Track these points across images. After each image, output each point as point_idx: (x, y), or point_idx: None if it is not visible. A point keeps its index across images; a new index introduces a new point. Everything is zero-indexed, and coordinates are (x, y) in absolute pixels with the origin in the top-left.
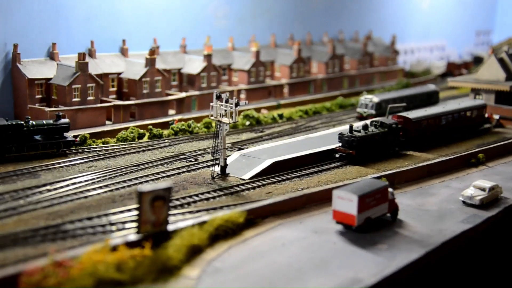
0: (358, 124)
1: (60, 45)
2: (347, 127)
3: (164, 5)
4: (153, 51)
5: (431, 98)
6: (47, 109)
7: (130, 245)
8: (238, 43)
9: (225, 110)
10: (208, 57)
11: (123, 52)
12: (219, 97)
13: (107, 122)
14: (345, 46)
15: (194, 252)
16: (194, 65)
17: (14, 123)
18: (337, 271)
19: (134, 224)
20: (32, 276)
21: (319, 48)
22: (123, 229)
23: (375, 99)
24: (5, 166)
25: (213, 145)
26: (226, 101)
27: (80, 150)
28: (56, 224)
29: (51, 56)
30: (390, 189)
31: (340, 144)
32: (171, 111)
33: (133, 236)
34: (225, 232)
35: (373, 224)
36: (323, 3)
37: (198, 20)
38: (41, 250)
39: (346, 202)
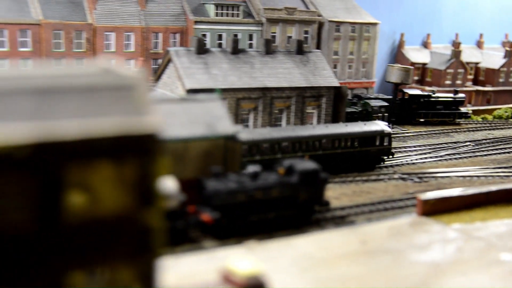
0: None
1: (431, 35)
2: None
3: None
4: (511, 44)
5: (369, 143)
6: (427, 88)
7: None
8: None
9: None
10: None
11: (479, 44)
12: None
13: (467, 105)
14: None
15: None
16: None
17: (425, 93)
18: None
19: None
20: None
21: None
22: None
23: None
24: (418, 127)
25: None
26: None
27: (464, 122)
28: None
29: (424, 44)
30: None
31: None
32: None
33: None
34: None
35: None
36: None
37: None
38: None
39: None
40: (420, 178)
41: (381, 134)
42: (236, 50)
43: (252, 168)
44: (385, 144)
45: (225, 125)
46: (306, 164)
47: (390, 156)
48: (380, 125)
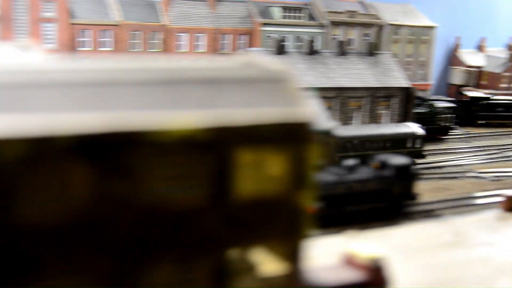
0: None
1: (486, 39)
2: None
3: None
4: None
5: (399, 145)
6: (481, 90)
7: None
8: None
9: None
10: None
11: None
12: None
13: None
14: None
15: None
16: None
17: (483, 96)
18: None
19: None
20: None
21: None
22: None
23: None
24: (478, 129)
25: None
26: None
27: None
28: None
29: (479, 48)
30: None
31: None
32: None
33: None
34: None
35: None
36: None
37: None
38: None
39: None
40: (496, 176)
41: (413, 136)
42: (312, 51)
43: (349, 162)
44: (416, 146)
45: (321, 120)
46: (400, 159)
47: (422, 159)
48: (411, 127)
